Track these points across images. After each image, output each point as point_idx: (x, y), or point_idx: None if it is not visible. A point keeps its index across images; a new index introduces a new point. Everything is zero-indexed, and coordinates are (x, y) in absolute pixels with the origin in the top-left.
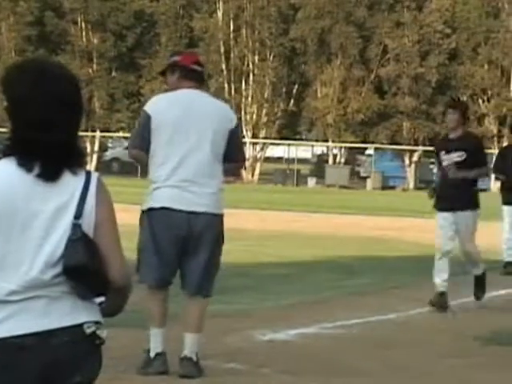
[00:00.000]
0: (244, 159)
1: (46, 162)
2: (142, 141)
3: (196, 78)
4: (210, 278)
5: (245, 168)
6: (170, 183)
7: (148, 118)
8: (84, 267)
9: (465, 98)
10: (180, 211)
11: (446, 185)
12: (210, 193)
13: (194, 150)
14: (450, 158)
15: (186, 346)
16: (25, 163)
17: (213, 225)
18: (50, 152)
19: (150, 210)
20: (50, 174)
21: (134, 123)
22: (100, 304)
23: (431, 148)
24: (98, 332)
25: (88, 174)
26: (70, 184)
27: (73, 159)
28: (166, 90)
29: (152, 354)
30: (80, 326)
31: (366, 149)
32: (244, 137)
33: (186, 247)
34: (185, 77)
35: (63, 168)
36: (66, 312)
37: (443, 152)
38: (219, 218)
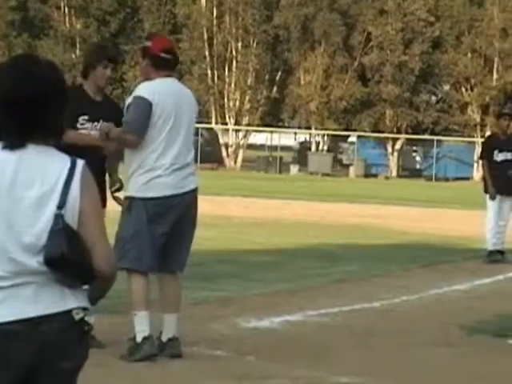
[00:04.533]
0: None
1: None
2: (145, 128)
3: (167, 66)
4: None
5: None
6: (171, 171)
7: (149, 105)
8: (65, 258)
9: (448, 87)
10: (179, 195)
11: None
12: (193, 171)
13: (186, 136)
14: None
15: (170, 326)
16: (7, 145)
17: (196, 200)
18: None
19: (152, 198)
20: (15, 143)
21: None
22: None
23: (414, 136)
24: (86, 318)
25: (73, 161)
26: (55, 171)
27: (44, 131)
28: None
29: (139, 339)
30: (69, 312)
31: (348, 136)
32: (227, 123)
33: (176, 227)
34: (156, 66)
35: (27, 136)
36: (55, 299)
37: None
38: (197, 192)
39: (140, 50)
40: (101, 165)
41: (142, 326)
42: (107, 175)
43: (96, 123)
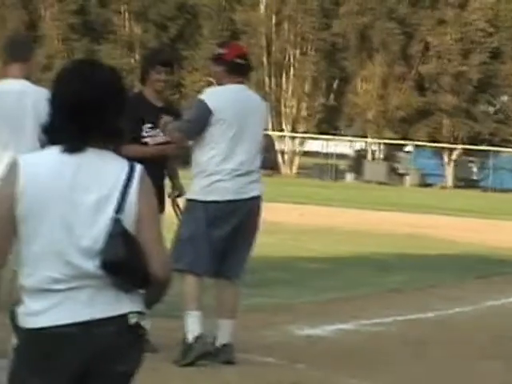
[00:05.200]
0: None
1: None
2: (196, 131)
3: (241, 71)
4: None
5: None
6: (233, 176)
7: (209, 112)
8: (122, 263)
9: (506, 98)
10: (241, 200)
11: None
12: (257, 178)
13: (251, 143)
14: None
15: (225, 332)
16: (67, 148)
17: (259, 207)
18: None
19: (212, 202)
20: (75, 146)
21: None
22: None
23: (471, 147)
24: (141, 322)
25: (131, 165)
26: (113, 175)
27: (106, 136)
28: (210, 82)
29: (190, 338)
30: (124, 316)
31: (405, 145)
32: (283, 130)
33: (236, 233)
34: (230, 71)
35: (87, 140)
36: (111, 302)
37: None
38: (261, 198)
39: (213, 58)
40: (160, 170)
41: (193, 326)
42: (168, 180)
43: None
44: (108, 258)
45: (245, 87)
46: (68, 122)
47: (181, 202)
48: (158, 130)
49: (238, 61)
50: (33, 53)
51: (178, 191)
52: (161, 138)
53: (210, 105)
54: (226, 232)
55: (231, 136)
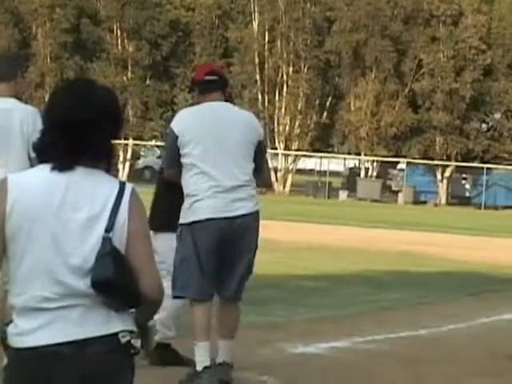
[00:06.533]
0: (269, 170)
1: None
2: (173, 159)
3: (212, 88)
4: (246, 281)
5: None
6: (213, 194)
7: (175, 137)
8: (111, 282)
9: (499, 115)
10: (224, 219)
11: None
12: (246, 195)
13: (233, 159)
14: None
15: (223, 352)
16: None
17: (250, 225)
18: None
19: (194, 222)
20: (65, 164)
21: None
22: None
23: (463, 164)
24: (132, 341)
25: (122, 184)
26: (103, 194)
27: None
28: (191, 105)
29: (199, 368)
30: (115, 335)
31: (398, 163)
32: (276, 148)
33: (226, 253)
34: (203, 90)
35: (77, 158)
36: (102, 321)
37: None
38: (257, 215)
39: (189, 87)
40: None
41: (202, 357)
42: None
43: None
44: (98, 278)
45: (218, 103)
46: (59, 139)
47: None
48: None
49: (207, 78)
50: (19, 71)
51: None
52: None
53: (175, 130)
54: (216, 251)
55: (202, 154)
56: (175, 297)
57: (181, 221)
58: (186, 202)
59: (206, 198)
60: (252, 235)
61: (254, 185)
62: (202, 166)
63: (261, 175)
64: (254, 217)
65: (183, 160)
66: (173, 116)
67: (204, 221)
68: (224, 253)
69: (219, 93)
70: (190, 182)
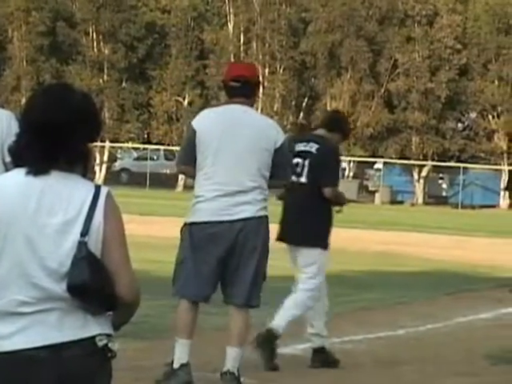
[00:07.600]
0: (289, 176)
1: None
2: (188, 155)
3: (236, 93)
4: (259, 287)
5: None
6: (214, 197)
7: (194, 132)
8: (87, 287)
9: (474, 114)
10: (222, 222)
11: None
12: (250, 199)
13: (240, 164)
14: None
15: (228, 360)
16: (31, 170)
17: (255, 229)
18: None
19: (193, 223)
20: (39, 168)
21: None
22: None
23: (440, 163)
24: (109, 345)
25: (97, 188)
26: (79, 198)
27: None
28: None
29: (176, 365)
30: (92, 338)
31: (374, 163)
32: None
33: (229, 257)
34: (227, 94)
35: (52, 162)
36: (79, 325)
37: None
38: (264, 220)
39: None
40: None
41: (180, 354)
42: None
43: None
44: (73, 282)
45: (238, 107)
46: (34, 142)
47: None
48: None
49: (231, 84)
50: None
51: None
52: None
53: (195, 125)
54: (215, 255)
55: (213, 156)
56: (173, 295)
57: (184, 220)
58: (192, 202)
59: (207, 200)
60: (256, 239)
61: (263, 191)
62: (210, 168)
63: (274, 184)
64: (258, 221)
65: (198, 157)
66: (149, 118)
67: (202, 223)
68: (226, 257)
69: (243, 98)
70: (198, 183)
